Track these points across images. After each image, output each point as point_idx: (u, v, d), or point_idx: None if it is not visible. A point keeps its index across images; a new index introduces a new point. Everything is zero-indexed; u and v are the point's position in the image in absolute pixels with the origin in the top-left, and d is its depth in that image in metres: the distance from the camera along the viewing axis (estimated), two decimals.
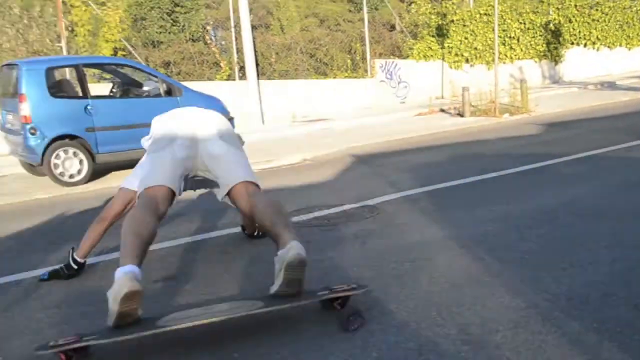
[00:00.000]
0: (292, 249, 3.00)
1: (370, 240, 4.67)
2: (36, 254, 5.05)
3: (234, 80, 15.98)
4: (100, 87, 11.23)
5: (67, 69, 10.70)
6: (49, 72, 8.60)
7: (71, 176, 8.49)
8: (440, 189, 6.38)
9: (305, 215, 5.62)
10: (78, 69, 9.04)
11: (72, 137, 8.49)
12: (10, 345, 3.20)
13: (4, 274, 4.47)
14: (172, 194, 3.58)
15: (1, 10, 13.54)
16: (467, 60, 19.93)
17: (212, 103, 9.88)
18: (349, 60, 18.30)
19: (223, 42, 19.10)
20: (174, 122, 3.77)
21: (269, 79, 16.60)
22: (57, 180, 8.40)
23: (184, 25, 17.18)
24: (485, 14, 19.77)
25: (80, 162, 8.53)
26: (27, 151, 8.45)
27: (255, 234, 4.77)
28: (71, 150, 8.47)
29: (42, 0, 14.92)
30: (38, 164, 8.51)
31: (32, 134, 8.20)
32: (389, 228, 4.99)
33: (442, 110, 15.39)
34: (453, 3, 20.15)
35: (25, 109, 8.17)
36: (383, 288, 3.57)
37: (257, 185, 3.64)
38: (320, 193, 6.82)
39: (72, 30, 13.79)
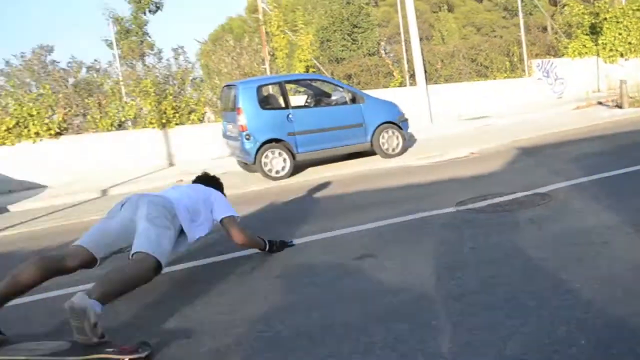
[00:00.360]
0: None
1: (546, 224, 4.38)
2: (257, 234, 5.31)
3: (405, 86, 15.86)
4: (296, 99, 11.66)
5: (271, 86, 11.20)
6: (259, 89, 9.08)
7: (277, 172, 8.88)
8: (608, 177, 5.83)
9: (480, 202, 5.39)
10: (281, 85, 9.44)
11: (277, 140, 8.89)
12: (245, 307, 3.43)
13: (224, 253, 4.63)
14: (91, 257, 3.45)
15: (220, 43, 14.60)
16: (621, 55, 18.08)
17: (390, 107, 9.90)
18: (507, 62, 17.38)
19: (393, 54, 19.05)
20: (121, 204, 3.73)
21: (436, 83, 16.25)
22: (266, 175, 8.85)
23: (361, 43, 17.40)
24: (638, 9, 17.78)
25: (284, 160, 8.90)
26: (243, 153, 8.99)
27: (267, 249, 4.41)
28: (277, 151, 8.87)
29: (250, 33, 15.88)
30: (251, 163, 9.01)
31: (247, 139, 8.72)
32: (562, 214, 4.65)
33: (600, 103, 14.10)
34: (605, 2, 18.38)
35: (242, 119, 8.71)
36: (564, 268, 3.33)
37: (152, 257, 3.30)
38: (490, 182, 6.52)
39: (273, 55, 14.50)
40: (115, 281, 3.08)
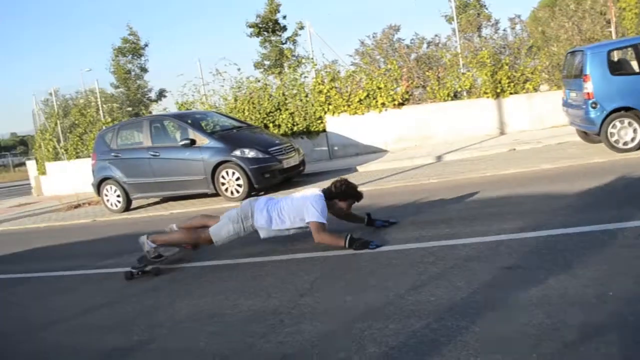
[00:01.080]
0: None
1: None
2: (606, 209, 4.65)
3: None
4: None
5: (625, 49, 9.63)
6: (609, 53, 7.90)
7: (625, 143, 7.70)
8: None
9: None
10: (637, 47, 8.04)
11: (627, 109, 7.67)
12: (612, 284, 2.97)
13: (581, 225, 4.24)
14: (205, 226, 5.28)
15: (561, 8, 13.31)
16: None
17: None
18: None
19: None
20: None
21: None
22: (612, 147, 7.75)
23: None
24: None
25: (634, 130, 7.64)
26: (586, 122, 8.03)
27: (347, 246, 4.71)
28: (626, 121, 7.65)
29: None
30: (595, 133, 8.02)
31: (593, 107, 7.73)
32: None
33: None
34: None
35: (589, 86, 7.73)
36: None
37: (208, 233, 5.11)
38: None
39: (619, 16, 12.55)
40: (168, 236, 5.33)
